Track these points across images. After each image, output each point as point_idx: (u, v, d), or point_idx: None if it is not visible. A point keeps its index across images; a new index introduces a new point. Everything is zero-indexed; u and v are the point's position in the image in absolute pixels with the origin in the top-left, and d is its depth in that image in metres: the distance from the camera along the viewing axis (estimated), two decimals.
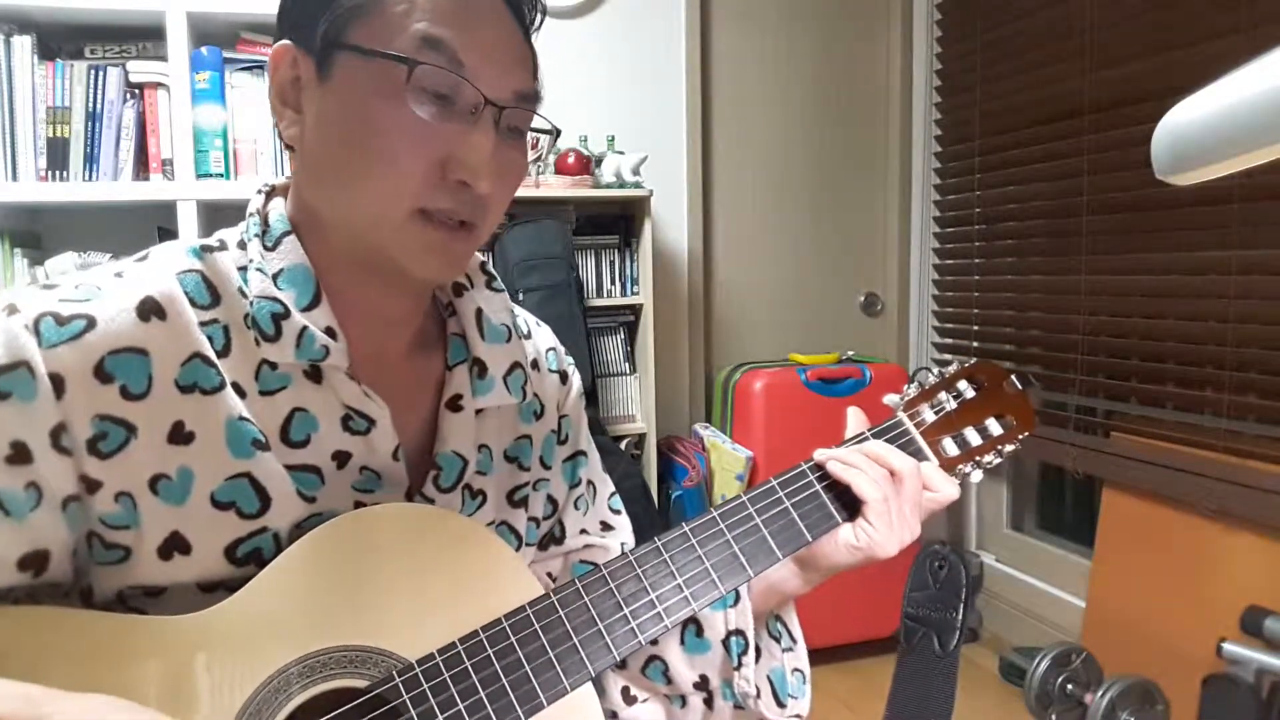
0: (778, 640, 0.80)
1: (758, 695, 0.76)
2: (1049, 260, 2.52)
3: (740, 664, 0.76)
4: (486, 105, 0.60)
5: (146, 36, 1.95)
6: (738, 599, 0.78)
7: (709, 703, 0.78)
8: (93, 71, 1.89)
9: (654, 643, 0.78)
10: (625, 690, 0.81)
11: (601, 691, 0.81)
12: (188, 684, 0.55)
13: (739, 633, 0.77)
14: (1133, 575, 2.22)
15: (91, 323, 0.56)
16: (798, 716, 0.78)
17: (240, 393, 0.61)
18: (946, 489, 0.75)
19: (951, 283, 2.92)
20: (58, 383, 0.54)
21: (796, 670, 0.80)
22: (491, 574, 0.65)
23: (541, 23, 0.67)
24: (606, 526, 0.86)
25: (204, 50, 1.93)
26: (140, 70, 1.91)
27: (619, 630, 0.65)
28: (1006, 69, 2.63)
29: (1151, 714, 1.97)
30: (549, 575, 0.83)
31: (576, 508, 0.84)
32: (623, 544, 0.85)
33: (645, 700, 0.80)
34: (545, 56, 0.69)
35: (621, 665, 0.80)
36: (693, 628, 0.78)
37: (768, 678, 0.78)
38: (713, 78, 2.84)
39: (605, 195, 2.47)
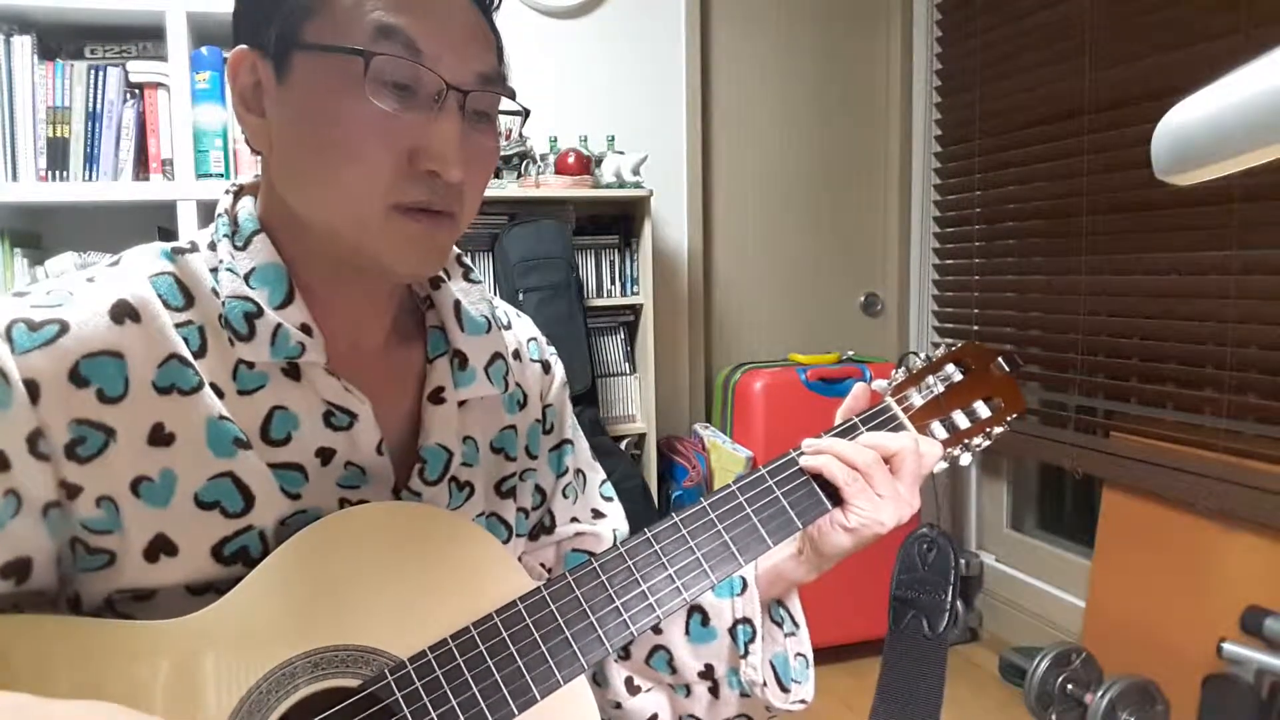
0: (780, 625, 0.80)
1: (764, 684, 0.76)
2: (1049, 260, 2.52)
3: (747, 652, 0.76)
4: (449, 91, 0.59)
5: (146, 36, 1.95)
6: (745, 587, 0.78)
7: (714, 691, 0.78)
8: (93, 71, 1.89)
9: (658, 632, 0.79)
10: (629, 680, 0.80)
11: (605, 682, 0.81)
12: (179, 687, 0.55)
13: (746, 621, 0.77)
14: (1133, 575, 2.22)
15: (64, 327, 0.56)
16: (802, 701, 0.78)
17: (219, 393, 0.60)
18: (932, 454, 0.75)
19: (951, 283, 2.92)
20: (32, 389, 0.54)
21: (799, 655, 0.80)
22: (481, 569, 0.65)
23: (500, 3, 0.66)
24: (598, 514, 0.86)
25: (204, 50, 1.93)
26: (140, 70, 1.91)
27: (611, 623, 0.65)
28: (1006, 69, 2.63)
29: (1151, 714, 1.97)
30: (542, 565, 0.83)
31: (565, 496, 0.84)
32: (614, 530, 0.85)
33: (649, 690, 0.80)
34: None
35: (625, 655, 0.80)
36: (698, 616, 0.78)
37: (770, 663, 0.78)
38: (713, 78, 2.84)
39: (605, 195, 2.47)
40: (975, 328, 2.82)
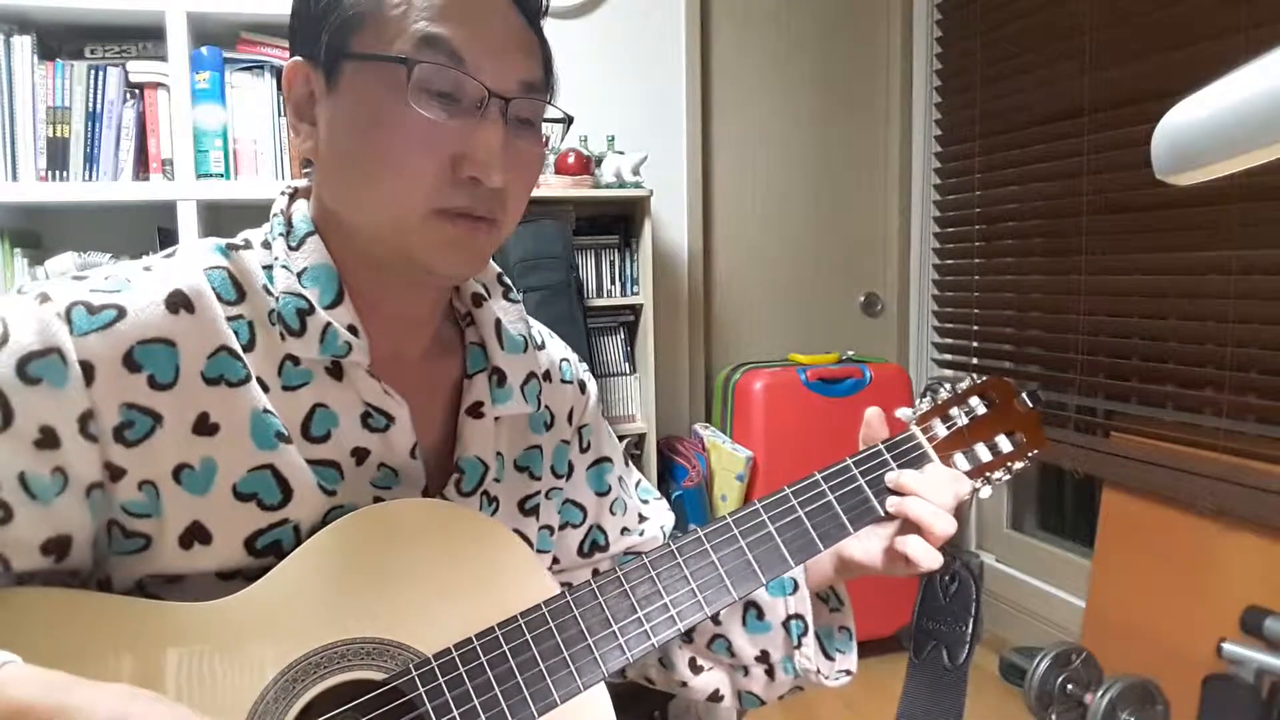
0: (825, 601, 0.85)
1: (818, 671, 0.80)
2: (1049, 260, 2.52)
3: (800, 644, 0.80)
4: (491, 98, 0.60)
5: (146, 36, 1.95)
6: (796, 588, 0.81)
7: (770, 674, 0.82)
8: (93, 71, 1.89)
9: (717, 623, 0.82)
10: (692, 661, 0.84)
11: (670, 665, 0.85)
12: (205, 671, 0.56)
13: (798, 617, 0.80)
14: (1133, 575, 2.22)
15: (122, 313, 0.57)
16: (847, 672, 0.82)
17: (264, 387, 0.62)
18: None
19: (951, 283, 2.92)
20: (88, 370, 0.55)
21: (843, 628, 0.84)
22: (509, 572, 0.66)
23: (546, 9, 0.67)
24: (643, 517, 0.89)
25: (204, 50, 1.93)
26: (140, 70, 1.91)
27: (632, 633, 0.66)
28: (1006, 69, 2.64)
29: (1151, 714, 1.97)
30: (595, 572, 0.86)
31: (613, 513, 0.86)
32: (661, 527, 0.88)
33: (711, 669, 0.84)
34: (554, 59, 0.69)
35: (688, 639, 0.84)
36: (754, 611, 0.82)
37: (816, 633, 0.81)
38: (713, 78, 2.84)
39: (605, 195, 2.47)
40: (975, 327, 2.82)
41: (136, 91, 1.93)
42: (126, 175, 1.92)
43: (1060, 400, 2.46)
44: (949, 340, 2.95)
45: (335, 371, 0.64)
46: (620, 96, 2.70)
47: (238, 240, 0.66)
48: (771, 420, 2.57)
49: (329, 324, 0.63)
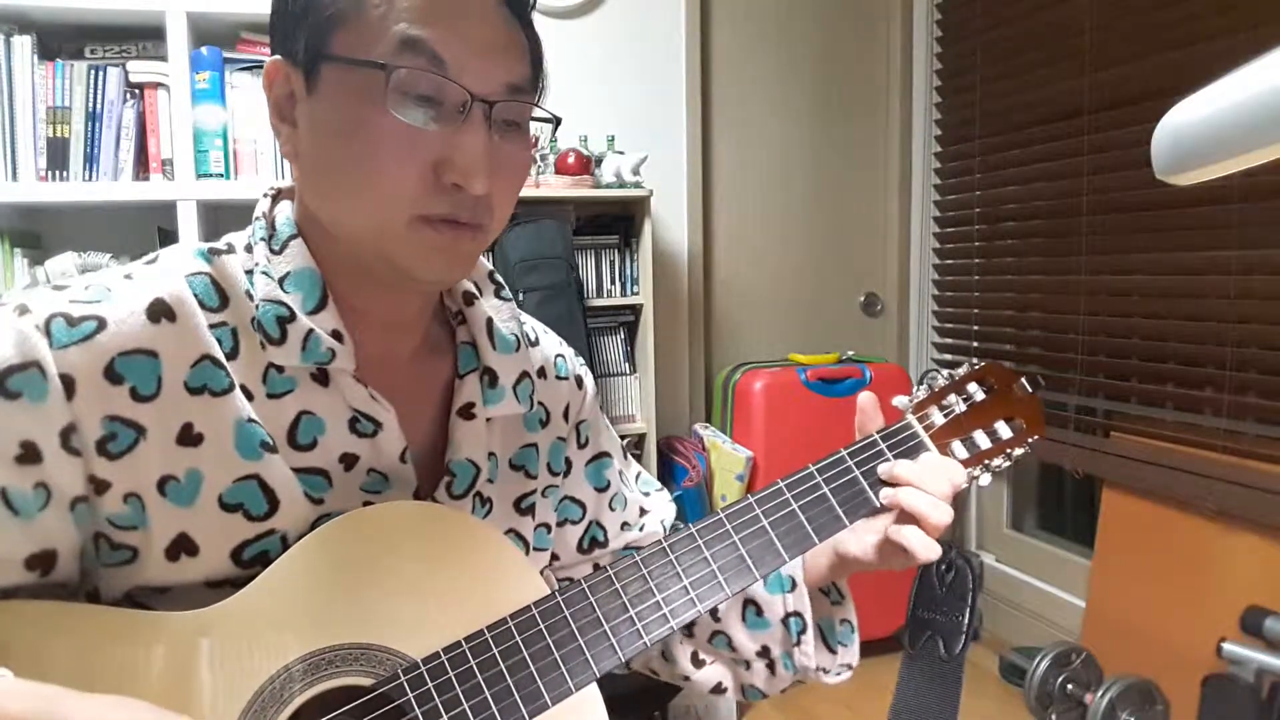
0: (826, 595, 0.83)
1: (818, 668, 0.80)
2: (1049, 260, 2.52)
3: (800, 641, 0.79)
4: (474, 102, 0.58)
5: (146, 36, 1.95)
6: (794, 585, 0.80)
7: (770, 669, 0.81)
8: (93, 71, 1.88)
9: (716, 619, 0.82)
10: (694, 655, 0.84)
11: (672, 659, 0.84)
12: (192, 680, 0.55)
13: (797, 614, 0.79)
14: (1133, 575, 2.22)
15: (102, 324, 0.56)
16: (848, 666, 0.81)
17: (248, 395, 0.61)
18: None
19: (951, 283, 2.92)
20: (68, 383, 0.54)
21: (845, 621, 0.83)
22: (498, 573, 0.65)
23: (534, 4, 0.65)
24: (644, 510, 0.87)
25: (204, 50, 1.93)
26: (140, 70, 1.91)
27: (624, 631, 0.65)
28: (1006, 69, 2.64)
29: (1151, 714, 1.97)
30: (595, 568, 0.85)
31: (613, 509, 0.85)
32: (662, 521, 0.87)
33: (713, 663, 0.84)
34: (545, 56, 0.68)
35: (689, 634, 0.83)
36: (753, 608, 0.81)
37: (817, 625, 0.80)
38: (713, 78, 2.84)
39: (605, 195, 2.46)
40: (975, 328, 2.82)
41: (136, 91, 1.92)
42: (126, 175, 1.92)
43: (1060, 400, 2.46)
44: (949, 340, 2.95)
45: (321, 378, 0.63)
46: (620, 96, 2.70)
47: (220, 244, 0.65)
48: (771, 420, 2.57)
49: (311, 331, 0.61)
